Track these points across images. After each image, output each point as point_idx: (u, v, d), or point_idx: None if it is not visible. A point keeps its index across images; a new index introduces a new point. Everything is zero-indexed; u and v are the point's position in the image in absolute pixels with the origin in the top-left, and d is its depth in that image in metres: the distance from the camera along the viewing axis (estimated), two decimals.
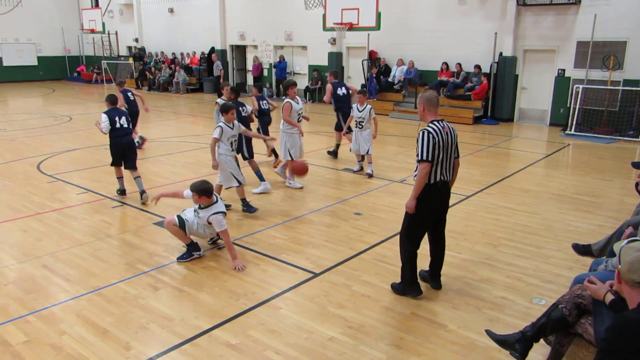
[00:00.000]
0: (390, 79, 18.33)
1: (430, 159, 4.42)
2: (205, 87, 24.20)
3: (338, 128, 10.74)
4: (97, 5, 26.03)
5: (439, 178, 4.56)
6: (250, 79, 23.90)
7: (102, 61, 26.72)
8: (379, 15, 16.06)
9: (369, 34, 17.64)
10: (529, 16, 15.46)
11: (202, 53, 24.54)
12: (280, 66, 21.68)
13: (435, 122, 4.52)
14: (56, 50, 30.65)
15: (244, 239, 6.35)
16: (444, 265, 5.12)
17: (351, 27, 16.75)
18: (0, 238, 6.43)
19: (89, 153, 11.37)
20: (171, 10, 25.71)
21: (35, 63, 29.75)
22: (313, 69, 20.86)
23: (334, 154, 10.97)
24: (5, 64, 28.19)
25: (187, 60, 25.16)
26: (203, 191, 5.54)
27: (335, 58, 20.03)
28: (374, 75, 18.13)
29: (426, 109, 4.61)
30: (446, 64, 16.92)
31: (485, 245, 6.20)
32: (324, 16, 17.18)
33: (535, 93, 16.04)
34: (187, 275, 5.37)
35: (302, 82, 21.74)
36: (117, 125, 7.76)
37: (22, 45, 29.20)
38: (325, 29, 17.51)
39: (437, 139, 4.42)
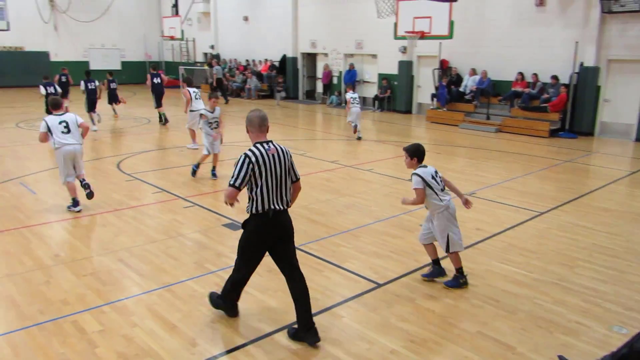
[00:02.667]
0: (461, 89, 17.93)
1: (238, 185, 3.98)
2: (276, 94, 24.67)
3: None
4: (177, 13, 27.24)
5: (269, 206, 4.05)
6: (319, 87, 24.16)
7: (180, 67, 27.88)
8: (452, 23, 15.79)
9: (440, 43, 17.37)
10: (615, 24, 14.65)
11: (271, 60, 25.07)
12: (350, 74, 21.77)
13: (258, 145, 4.08)
14: (138, 56, 32.38)
15: (309, 244, 6.39)
16: (511, 283, 4.91)
17: (423, 36, 16.56)
18: (82, 232, 6.82)
19: (164, 154, 11.86)
20: (246, 19, 26.55)
21: (119, 67, 31.54)
22: (382, 77, 20.79)
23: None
24: (92, 67, 30.03)
25: (259, 67, 25.79)
26: None
27: (406, 67, 19.87)
28: (445, 85, 17.81)
29: (249, 131, 4.18)
30: (521, 74, 16.34)
31: (560, 266, 5.90)
32: (396, 25, 17.10)
33: (619, 106, 15.15)
34: (253, 277, 5.46)
35: (372, 90, 21.71)
36: None
37: (107, 51, 31.09)
38: (396, 37, 17.41)
39: (257, 164, 3.98)
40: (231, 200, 4.12)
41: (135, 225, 7.04)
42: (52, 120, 7.38)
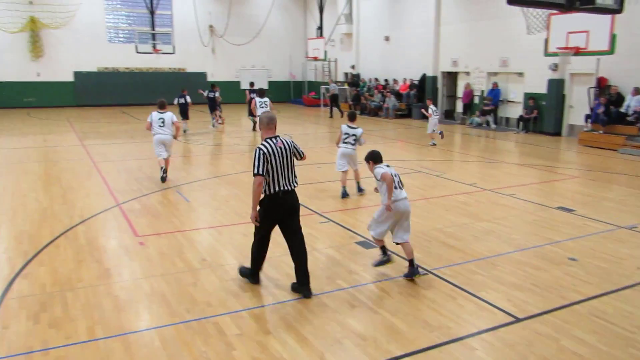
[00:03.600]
0: (622, 110, 16.25)
1: (261, 172, 5.05)
2: (413, 114, 24.42)
3: None
4: (321, 35, 28.43)
5: (279, 188, 5.16)
6: (459, 106, 23.50)
7: (321, 86, 28.90)
8: (614, 37, 14.41)
9: (598, 59, 15.96)
10: None
11: (411, 80, 24.95)
12: (493, 93, 20.88)
13: (268, 140, 5.19)
14: (283, 76, 34.24)
15: (442, 269, 6.19)
16: None
17: (577, 52, 15.32)
18: (226, 239, 7.33)
19: (304, 170, 12.34)
20: (387, 38, 26.83)
21: (266, 87, 33.67)
22: (529, 96, 19.61)
23: None
24: (243, 87, 32.40)
25: (398, 87, 25.83)
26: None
27: (556, 85, 18.54)
28: (602, 104, 16.27)
29: (262, 129, 5.30)
30: None
31: None
32: (546, 40, 16.07)
33: None
34: (382, 297, 5.43)
35: (516, 111, 20.59)
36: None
37: (256, 71, 33.27)
38: (546, 54, 16.36)
39: (269, 154, 5.08)
40: (259, 187, 5.10)
41: (273, 237, 7.38)
42: (155, 116, 10.51)
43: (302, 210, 8.77)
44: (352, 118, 9.63)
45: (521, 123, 19.74)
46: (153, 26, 26.28)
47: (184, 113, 18.40)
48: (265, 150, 5.11)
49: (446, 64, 23.65)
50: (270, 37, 32.86)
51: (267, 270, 6.14)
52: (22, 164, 12.74)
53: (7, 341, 4.49)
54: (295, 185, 5.34)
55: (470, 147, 17.05)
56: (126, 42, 29.36)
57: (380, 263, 6.03)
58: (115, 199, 9.45)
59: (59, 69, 27.93)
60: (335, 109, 25.59)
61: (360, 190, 9.81)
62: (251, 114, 18.86)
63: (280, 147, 5.19)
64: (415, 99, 24.57)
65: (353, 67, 29.65)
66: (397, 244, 5.91)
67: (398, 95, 25.39)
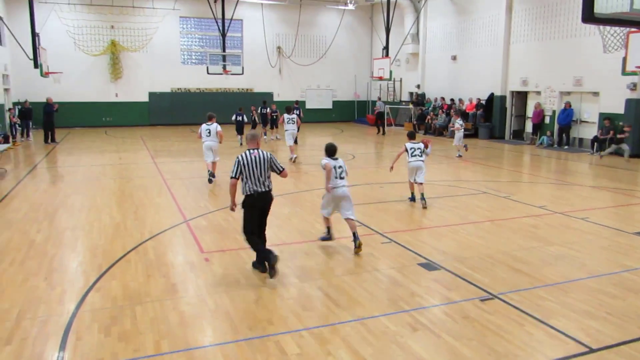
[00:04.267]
0: None
1: (235, 176, 6.48)
2: (480, 133, 23.91)
3: None
4: (387, 54, 28.32)
5: (254, 189, 6.44)
6: (529, 126, 22.73)
7: (385, 106, 28.80)
8: None
9: None
10: None
11: (478, 99, 24.43)
12: (566, 113, 20.06)
13: (247, 151, 6.56)
14: (348, 96, 34.52)
15: (509, 294, 5.96)
16: None
17: None
18: (287, 258, 7.40)
19: (368, 190, 12.32)
20: (454, 58, 26.48)
21: (330, 106, 34.06)
22: (604, 117, 18.67)
23: None
24: (307, 106, 32.89)
25: (464, 106, 25.34)
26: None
27: (635, 105, 17.57)
28: None
29: (247, 143, 6.75)
30: None
31: None
32: (625, 59, 15.30)
33: None
34: (446, 321, 5.30)
35: (590, 131, 19.67)
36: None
37: (321, 91, 33.77)
38: (624, 73, 15.56)
39: (243, 163, 6.44)
40: (233, 187, 6.55)
41: (335, 256, 7.40)
42: (203, 127, 12.74)
43: (363, 230, 8.88)
44: (412, 137, 10.57)
45: (596, 144, 18.80)
46: (224, 48, 27.28)
47: (239, 129, 20.97)
48: (241, 159, 6.47)
49: (515, 83, 23.00)
50: (335, 57, 33.26)
51: (327, 289, 6.14)
52: (99, 180, 13.50)
53: (80, 352, 4.72)
54: (269, 188, 6.58)
55: (540, 168, 16.40)
56: (198, 63, 30.65)
57: (324, 239, 7.83)
58: (183, 215, 9.80)
59: (135, 89, 29.54)
60: (382, 126, 26.92)
61: (423, 199, 10.28)
62: (241, 131, 21.05)
63: (256, 157, 6.48)
64: (482, 118, 24.03)
65: (418, 86, 29.42)
66: (345, 219, 7.48)
67: (464, 114, 24.78)
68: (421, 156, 10.25)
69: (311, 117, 32.02)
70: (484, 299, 5.80)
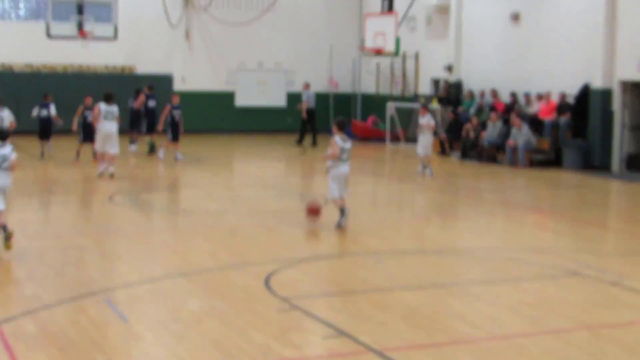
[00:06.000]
0: None
1: None
2: (565, 159, 15.49)
3: None
4: (390, 8, 15.76)
5: None
6: None
7: (388, 104, 19.65)
8: None
9: None
10: None
11: (561, 95, 16.44)
12: None
13: None
14: (317, 84, 20.94)
15: None
16: None
17: None
18: None
19: (344, 265, 8.22)
20: (515, 17, 17.14)
21: (283, 103, 22.51)
22: None
23: None
24: (238, 102, 21.95)
25: (535, 107, 16.72)
26: None
27: None
28: None
29: None
30: None
31: None
32: None
33: None
34: None
35: None
36: None
37: (265, 75, 22.28)
38: None
39: None
40: None
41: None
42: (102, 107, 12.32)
43: (343, 343, 4.62)
44: (343, 127, 9.08)
45: None
46: None
47: (44, 131, 14.84)
48: None
49: (630, 68, 15.15)
50: (295, 11, 20.67)
51: None
52: None
53: None
54: None
55: None
56: (30, 18, 19.48)
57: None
58: None
59: None
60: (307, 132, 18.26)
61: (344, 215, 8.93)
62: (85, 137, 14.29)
63: None
64: (569, 131, 15.84)
65: (450, 68, 18.84)
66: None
67: (535, 122, 16.36)
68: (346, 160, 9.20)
69: (244, 122, 20.88)
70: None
